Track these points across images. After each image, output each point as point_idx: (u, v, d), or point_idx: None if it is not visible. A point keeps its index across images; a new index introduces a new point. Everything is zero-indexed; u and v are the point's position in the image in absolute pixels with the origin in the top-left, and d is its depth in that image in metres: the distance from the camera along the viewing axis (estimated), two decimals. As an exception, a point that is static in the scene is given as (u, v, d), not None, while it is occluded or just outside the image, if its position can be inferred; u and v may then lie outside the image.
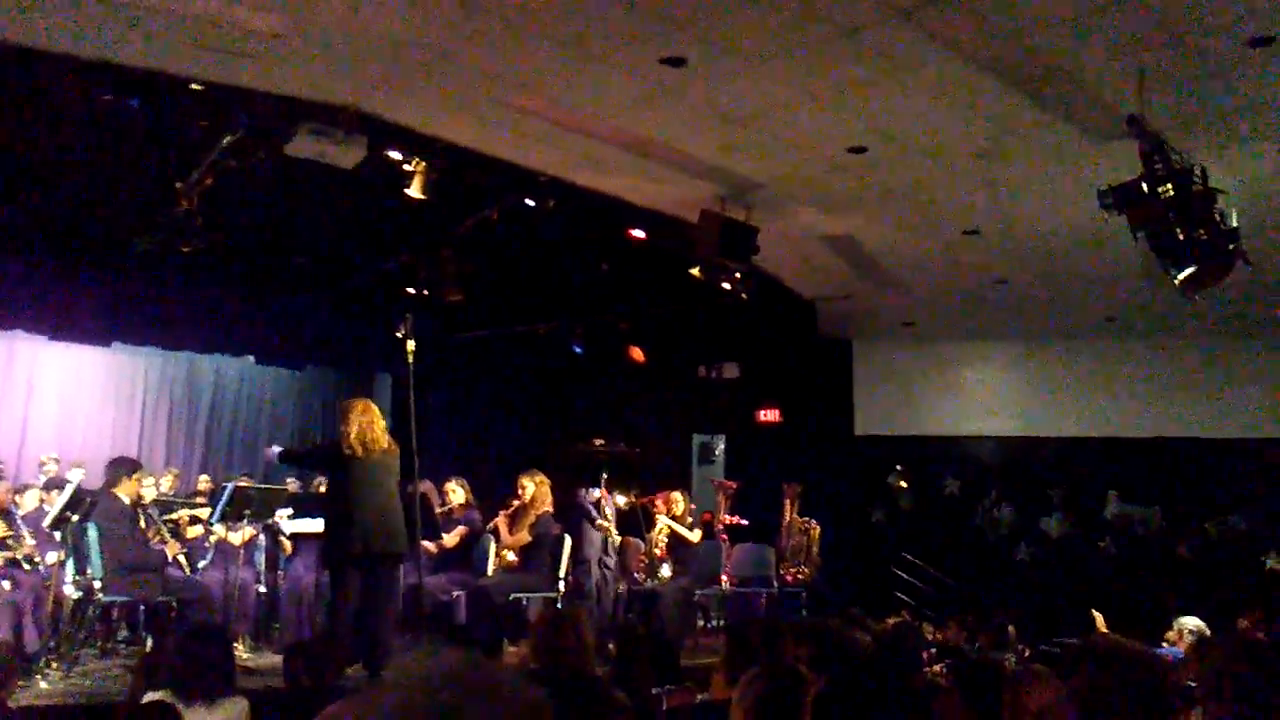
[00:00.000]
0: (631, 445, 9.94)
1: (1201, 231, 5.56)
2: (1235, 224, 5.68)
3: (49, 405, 10.80)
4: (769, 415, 12.55)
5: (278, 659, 5.81)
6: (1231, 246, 5.65)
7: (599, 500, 8.82)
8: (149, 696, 3.81)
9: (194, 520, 8.50)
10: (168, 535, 8.02)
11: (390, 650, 6.59)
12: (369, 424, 6.69)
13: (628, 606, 9.04)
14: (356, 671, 6.38)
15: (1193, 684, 3.90)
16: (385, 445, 6.76)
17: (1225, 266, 5.71)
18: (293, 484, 9.39)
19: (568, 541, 8.37)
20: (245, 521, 8.09)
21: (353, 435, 6.61)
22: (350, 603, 6.56)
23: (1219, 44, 5.23)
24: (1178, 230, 5.57)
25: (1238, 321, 10.54)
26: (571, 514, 8.60)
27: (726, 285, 7.62)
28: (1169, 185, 5.54)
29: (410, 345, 6.95)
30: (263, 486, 8.40)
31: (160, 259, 8.32)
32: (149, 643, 7.35)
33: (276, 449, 7.35)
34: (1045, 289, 10.05)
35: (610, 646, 6.99)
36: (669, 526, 9.43)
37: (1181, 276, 5.70)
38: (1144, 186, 5.61)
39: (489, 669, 1.04)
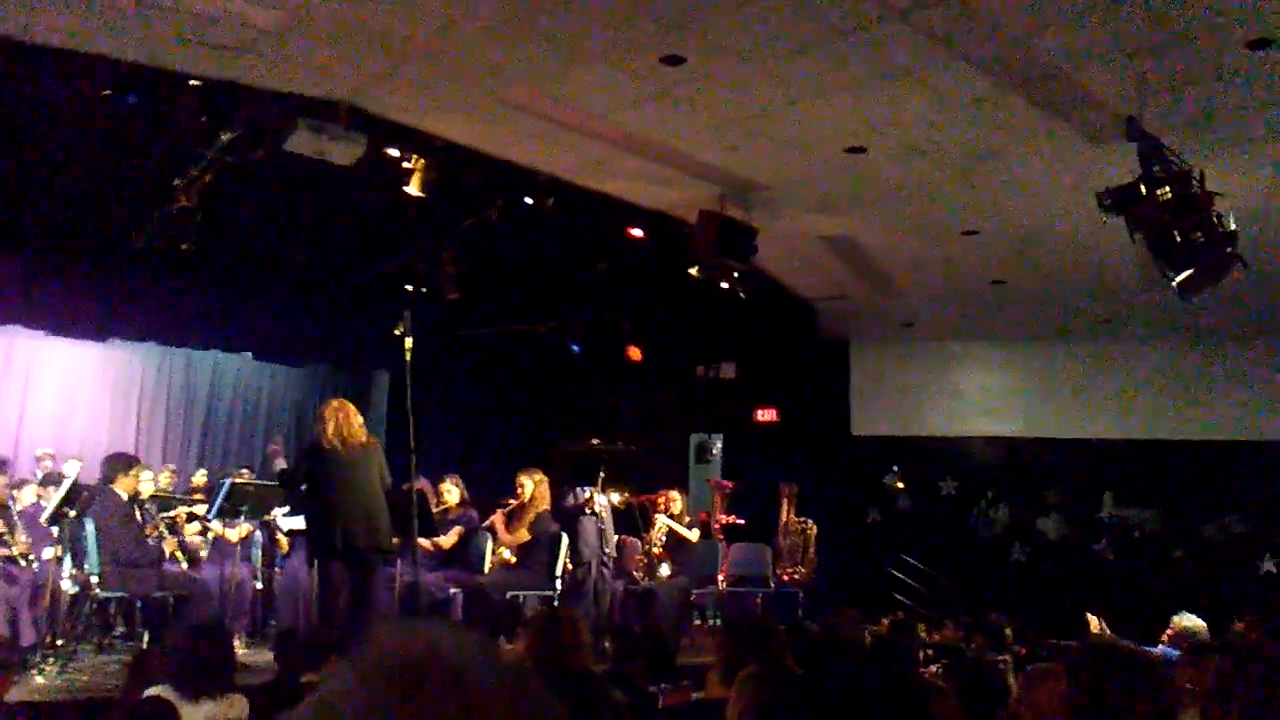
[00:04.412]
0: (628, 444, 9.92)
1: (1199, 234, 5.56)
2: (1233, 227, 5.68)
3: (47, 401, 10.78)
4: (766, 415, 12.54)
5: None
6: (1229, 249, 5.65)
7: (589, 499, 8.75)
8: (147, 692, 3.81)
9: (191, 517, 8.50)
10: (165, 531, 8.02)
11: None
12: (345, 419, 6.73)
13: (624, 605, 9.03)
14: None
15: (1189, 685, 3.90)
16: (363, 439, 6.79)
17: (1223, 269, 5.71)
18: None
19: (565, 540, 8.38)
20: (242, 518, 8.09)
21: (330, 431, 6.65)
22: (339, 596, 6.57)
23: (1217, 46, 5.24)
24: (1175, 233, 5.57)
25: (1235, 323, 10.55)
26: (567, 513, 8.58)
27: (725, 285, 7.63)
28: (1167, 188, 5.54)
29: (408, 343, 6.95)
30: (259, 483, 8.40)
31: (158, 255, 8.30)
32: (145, 638, 7.35)
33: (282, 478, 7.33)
34: (1043, 290, 10.05)
35: (607, 645, 6.99)
36: (668, 526, 9.43)
37: (1179, 279, 5.70)
38: (1142, 189, 5.61)
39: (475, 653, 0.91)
